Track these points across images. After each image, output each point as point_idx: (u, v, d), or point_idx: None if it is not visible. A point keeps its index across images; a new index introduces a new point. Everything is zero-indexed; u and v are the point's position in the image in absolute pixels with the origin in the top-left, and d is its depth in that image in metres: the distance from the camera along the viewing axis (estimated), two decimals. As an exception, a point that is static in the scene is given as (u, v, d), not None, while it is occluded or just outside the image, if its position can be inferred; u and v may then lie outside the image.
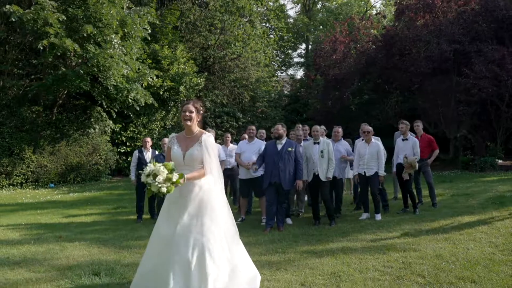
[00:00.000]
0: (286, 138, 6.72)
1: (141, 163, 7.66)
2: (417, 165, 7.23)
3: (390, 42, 16.76)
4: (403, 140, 7.59)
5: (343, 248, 5.20)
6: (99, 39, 13.26)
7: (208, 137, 3.63)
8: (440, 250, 4.86)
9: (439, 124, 16.24)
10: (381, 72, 17.74)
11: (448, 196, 9.01)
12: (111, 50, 13.01)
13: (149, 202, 8.00)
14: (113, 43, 13.12)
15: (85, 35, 12.84)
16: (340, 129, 7.99)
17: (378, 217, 6.95)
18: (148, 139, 8.08)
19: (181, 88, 17.54)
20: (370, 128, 7.29)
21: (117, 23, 13.58)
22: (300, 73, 32.69)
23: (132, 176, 7.98)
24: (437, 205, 7.80)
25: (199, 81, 18.19)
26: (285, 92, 27.53)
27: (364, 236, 5.78)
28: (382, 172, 7.09)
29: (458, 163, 15.52)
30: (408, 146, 7.45)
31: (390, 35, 16.96)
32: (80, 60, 13.55)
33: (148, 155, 7.87)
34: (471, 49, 14.52)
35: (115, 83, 13.48)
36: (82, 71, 12.87)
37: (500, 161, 14.18)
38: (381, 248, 5.07)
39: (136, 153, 7.99)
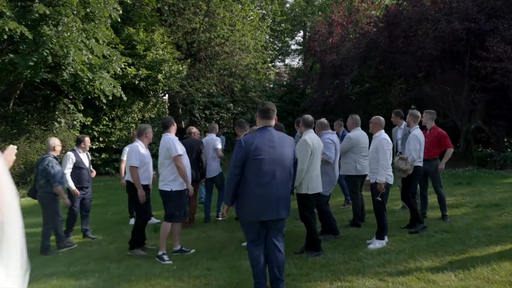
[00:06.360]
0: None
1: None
2: (405, 167, 5.45)
3: (393, 22, 14.85)
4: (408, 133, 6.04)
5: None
6: (52, 22, 11.25)
7: None
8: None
9: (449, 114, 14.38)
10: (383, 57, 15.89)
11: (472, 207, 7.05)
12: (68, 34, 11.09)
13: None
14: (71, 25, 11.17)
15: (37, 15, 10.88)
16: (322, 119, 5.88)
17: (375, 244, 5.04)
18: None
19: (160, 76, 15.64)
20: (373, 118, 5.45)
21: (77, 0, 11.64)
22: (298, 61, 30.84)
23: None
24: (448, 219, 6.08)
25: (180, 69, 16.27)
26: (284, 82, 25.71)
27: (362, 281, 3.96)
28: (379, 178, 5.05)
29: (470, 158, 13.70)
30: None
31: (393, 14, 15.04)
32: (33, 48, 11.46)
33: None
34: (487, 27, 12.58)
35: (73, 72, 11.56)
36: (35, 59, 10.88)
37: (522, 157, 12.37)
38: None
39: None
